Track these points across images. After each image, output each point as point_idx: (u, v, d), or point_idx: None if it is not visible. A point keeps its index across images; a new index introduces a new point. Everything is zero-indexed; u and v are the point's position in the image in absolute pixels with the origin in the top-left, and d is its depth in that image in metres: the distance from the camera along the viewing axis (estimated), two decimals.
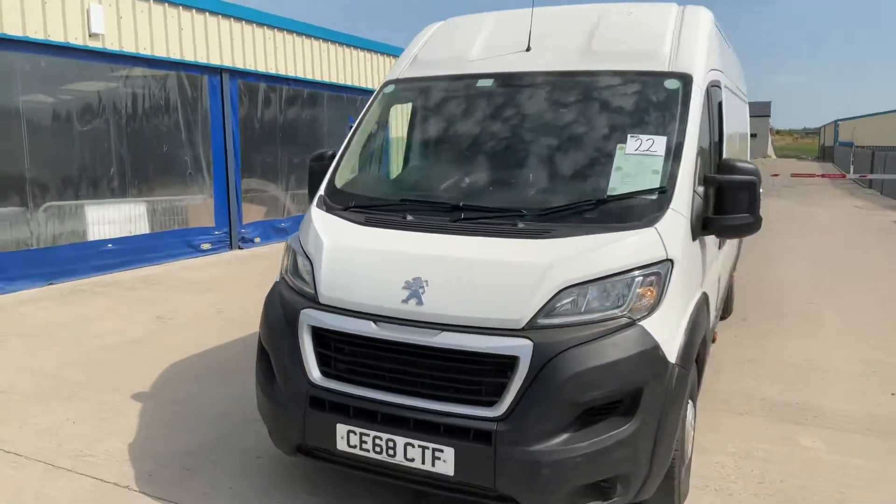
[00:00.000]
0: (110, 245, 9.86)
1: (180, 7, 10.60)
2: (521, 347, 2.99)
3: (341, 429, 3.23)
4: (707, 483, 3.94)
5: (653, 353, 3.07)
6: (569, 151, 3.88)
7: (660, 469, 3.14)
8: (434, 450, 3.05)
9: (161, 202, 10.78)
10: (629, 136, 3.69)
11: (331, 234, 3.66)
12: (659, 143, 3.62)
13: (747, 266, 10.45)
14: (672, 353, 3.15)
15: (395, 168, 4.34)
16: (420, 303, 3.19)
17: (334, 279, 3.44)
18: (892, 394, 5.38)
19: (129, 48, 9.83)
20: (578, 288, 3.11)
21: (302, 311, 3.43)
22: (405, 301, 3.21)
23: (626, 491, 3.08)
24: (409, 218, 3.63)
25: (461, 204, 3.66)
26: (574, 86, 4.05)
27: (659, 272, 3.21)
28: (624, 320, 3.08)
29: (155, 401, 5.02)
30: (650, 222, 3.32)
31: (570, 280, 3.09)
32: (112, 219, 9.97)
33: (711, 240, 4.02)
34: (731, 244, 6.13)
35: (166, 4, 10.38)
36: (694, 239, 3.56)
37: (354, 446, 3.21)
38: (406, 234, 3.52)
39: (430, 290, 3.20)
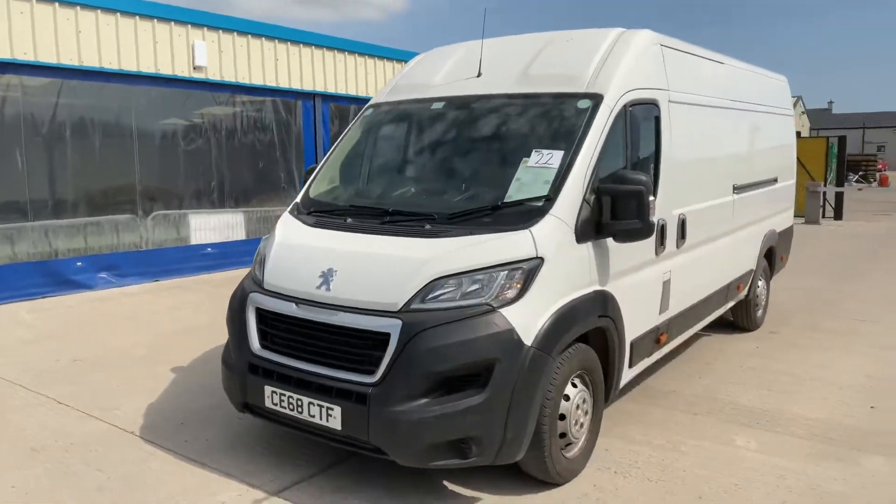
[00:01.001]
0: (210, 249, 11.30)
1: (276, 40, 11.97)
2: (393, 326, 3.60)
3: (268, 389, 3.98)
4: (611, 466, 4.30)
5: (507, 335, 3.57)
6: (487, 164, 4.45)
7: (515, 436, 3.61)
8: (327, 408, 3.72)
9: (257, 212, 12.14)
10: (534, 150, 4.20)
11: (284, 233, 4.46)
12: (556, 157, 4.10)
13: (827, 281, 10.22)
14: (529, 337, 3.62)
15: (359, 179, 5.05)
16: (328, 289, 3.89)
17: (275, 269, 4.23)
18: (872, 407, 5.35)
19: (229, 78, 11.28)
20: (451, 279, 3.68)
21: (250, 295, 4.25)
22: (318, 287, 3.93)
23: (482, 452, 3.59)
24: (349, 220, 4.35)
25: (390, 209, 4.33)
26: (504, 106, 4.60)
27: (523, 268, 3.71)
28: (486, 307, 3.61)
29: (187, 373, 6.05)
30: (528, 225, 3.83)
31: (442, 272, 3.67)
32: (212, 226, 11.43)
33: (629, 246, 4.35)
34: (729, 253, 6.28)
35: (263, 38, 11.77)
36: (581, 241, 3.99)
37: (276, 404, 3.96)
38: (338, 233, 4.24)
39: (336, 279, 3.90)
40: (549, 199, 3.94)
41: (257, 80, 11.71)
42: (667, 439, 4.71)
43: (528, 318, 3.65)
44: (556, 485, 4.00)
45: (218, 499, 3.86)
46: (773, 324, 7.82)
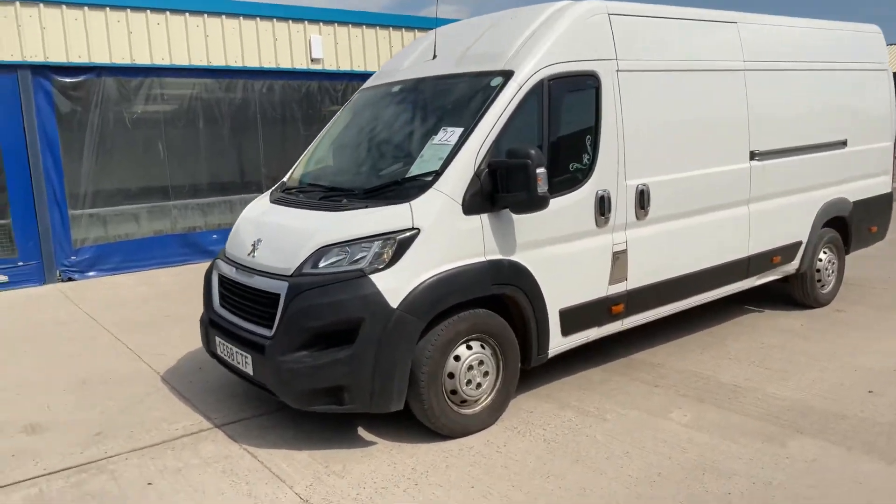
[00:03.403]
0: None
1: (390, 28, 12.78)
2: (282, 287, 4.17)
3: (217, 340, 4.75)
4: (520, 425, 4.49)
5: (373, 298, 3.97)
6: (412, 142, 4.80)
7: (383, 388, 4.01)
8: (244, 356, 4.39)
9: None
10: (442, 128, 4.49)
11: (248, 210, 5.20)
12: (455, 135, 4.37)
13: None
14: (396, 300, 3.99)
15: (325, 159, 5.59)
16: (254, 256, 4.55)
17: (231, 240, 4.99)
18: (870, 391, 4.89)
19: (345, 67, 12.30)
20: (337, 248, 4.15)
21: (215, 261, 5.04)
22: (248, 254, 4.61)
23: (354, 400, 4.05)
24: (300, 197, 4.96)
25: (329, 186, 4.89)
26: (440, 86, 4.92)
27: (396, 238, 4.06)
28: (358, 273, 4.04)
29: None
30: (411, 199, 4.17)
31: (326, 242, 4.16)
32: None
33: (551, 217, 4.48)
34: (746, 224, 5.92)
35: (377, 28, 12.64)
36: (471, 213, 4.22)
37: (223, 353, 4.71)
38: (280, 208, 4.87)
39: (260, 247, 4.54)
40: (438, 175, 4.23)
41: (372, 67, 12.59)
42: (600, 407, 4.77)
43: (396, 284, 4.02)
44: (450, 437, 4.33)
45: (174, 426, 4.72)
46: (849, 302, 7.13)
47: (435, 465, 4.03)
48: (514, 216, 4.39)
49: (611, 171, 4.87)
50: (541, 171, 4.14)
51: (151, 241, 10.76)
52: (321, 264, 4.16)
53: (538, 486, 3.78)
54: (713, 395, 4.92)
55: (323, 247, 4.15)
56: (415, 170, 4.40)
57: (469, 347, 4.32)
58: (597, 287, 4.94)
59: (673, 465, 3.95)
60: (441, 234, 4.16)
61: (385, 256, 4.06)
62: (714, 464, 3.95)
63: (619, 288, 5.08)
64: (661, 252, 5.31)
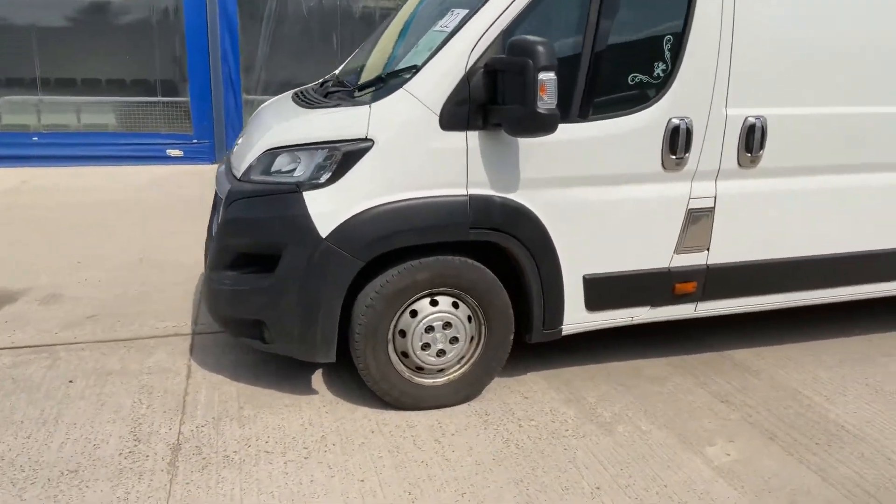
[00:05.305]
0: None
1: None
2: (225, 193, 3.51)
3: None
4: (494, 413, 3.47)
5: (299, 221, 3.17)
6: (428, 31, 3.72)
7: (304, 333, 3.25)
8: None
9: None
10: (450, 10, 3.40)
11: (265, 104, 4.54)
12: (457, 18, 3.27)
13: None
14: (327, 228, 3.15)
15: (367, 53, 4.61)
16: (232, 154, 3.94)
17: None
18: None
19: None
20: (280, 152, 3.35)
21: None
22: (231, 152, 4.01)
23: (277, 340, 3.35)
24: (313, 93, 4.16)
25: (342, 81, 4.07)
26: None
27: (340, 149, 3.16)
28: (290, 187, 3.23)
29: None
30: (374, 100, 3.22)
31: (270, 145, 3.39)
32: None
33: (584, 145, 3.29)
34: None
35: None
36: (450, 129, 3.16)
37: None
38: (283, 103, 4.12)
39: (239, 144, 3.93)
40: (416, 71, 3.21)
41: None
42: (619, 413, 3.54)
43: (332, 208, 3.16)
44: (398, 408, 3.47)
45: (156, 324, 4.39)
46: None
47: (349, 440, 3.22)
48: (529, 141, 3.21)
49: (699, 91, 3.41)
50: (547, 76, 2.90)
51: None
52: (274, 170, 3.40)
53: (442, 501, 2.81)
54: (796, 432, 3.42)
55: (271, 149, 3.38)
56: (402, 63, 3.41)
57: (434, 303, 3.36)
58: (652, 254, 3.61)
59: None
60: (403, 151, 3.17)
61: (325, 171, 3.19)
62: None
63: (693, 260, 3.67)
64: (772, 220, 3.74)
